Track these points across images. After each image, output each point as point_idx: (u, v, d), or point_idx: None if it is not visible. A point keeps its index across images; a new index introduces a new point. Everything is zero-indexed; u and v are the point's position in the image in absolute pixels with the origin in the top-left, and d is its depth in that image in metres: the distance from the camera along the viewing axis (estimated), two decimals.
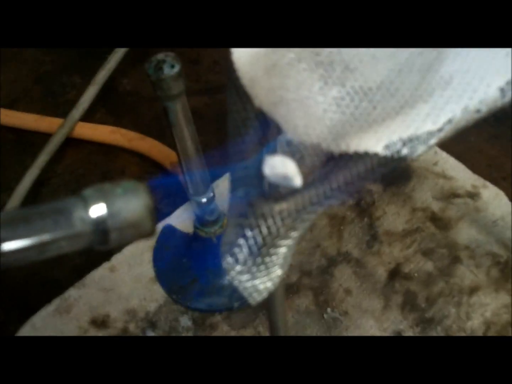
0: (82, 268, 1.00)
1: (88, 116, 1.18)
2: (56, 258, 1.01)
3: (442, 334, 0.85)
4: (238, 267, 0.44)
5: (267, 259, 0.44)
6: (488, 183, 0.98)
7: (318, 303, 0.90)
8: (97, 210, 0.36)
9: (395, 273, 0.91)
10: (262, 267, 0.44)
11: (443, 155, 1.03)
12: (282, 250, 0.44)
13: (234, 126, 0.49)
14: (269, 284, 0.46)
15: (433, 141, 0.45)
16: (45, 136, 1.14)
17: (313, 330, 0.88)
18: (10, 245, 0.33)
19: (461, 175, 1.01)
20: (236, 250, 0.43)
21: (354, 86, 0.49)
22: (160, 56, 0.71)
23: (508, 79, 0.45)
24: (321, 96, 0.48)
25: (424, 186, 1.00)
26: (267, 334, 0.89)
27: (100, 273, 0.99)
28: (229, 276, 0.44)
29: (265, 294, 0.46)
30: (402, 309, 0.88)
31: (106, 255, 1.01)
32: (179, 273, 0.95)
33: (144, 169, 1.11)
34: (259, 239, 0.43)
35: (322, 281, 0.92)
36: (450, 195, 0.98)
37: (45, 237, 0.34)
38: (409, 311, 0.88)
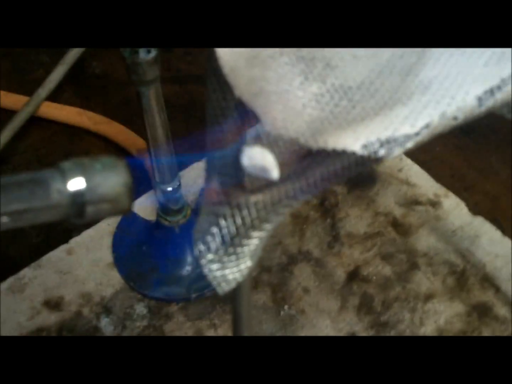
0: (39, 248, 0.99)
1: (55, 96, 1.16)
2: (13, 236, 0.99)
3: None
4: (210, 256, 0.43)
5: (239, 249, 0.44)
6: (450, 193, 1.00)
7: (276, 300, 0.90)
8: (75, 183, 0.35)
9: (353, 275, 0.92)
10: (233, 257, 0.44)
11: (408, 162, 1.05)
12: (254, 241, 0.44)
13: (213, 114, 0.48)
14: (238, 275, 0.46)
15: (409, 144, 0.45)
16: (9, 113, 1.12)
17: (269, 326, 0.88)
18: None
19: (424, 183, 1.02)
20: (209, 238, 0.43)
21: (334, 84, 0.49)
22: None
23: (486, 89, 0.46)
24: (301, 91, 0.48)
25: (387, 191, 1.01)
26: (222, 326, 0.89)
27: (57, 254, 0.98)
28: (200, 264, 0.44)
29: (233, 284, 0.46)
30: (358, 311, 0.89)
31: (65, 237, 0.99)
32: (138, 260, 0.95)
33: (109, 153, 1.09)
34: (233, 229, 0.43)
35: (281, 278, 0.93)
36: (412, 202, 0.99)
37: (20, 206, 0.33)
38: (365, 314, 0.89)
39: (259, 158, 0.43)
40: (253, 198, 0.43)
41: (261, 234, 0.45)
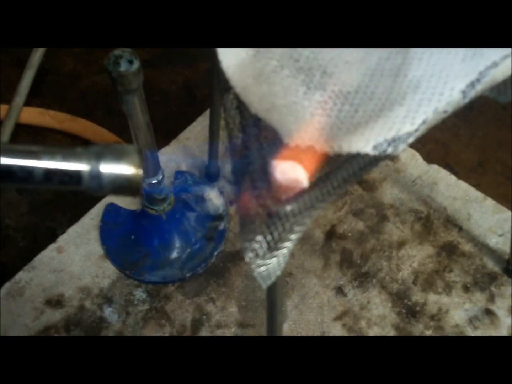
0: (27, 251, 1.03)
1: (9, 98, 1.17)
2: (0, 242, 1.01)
3: (377, 286, 0.96)
4: (259, 261, 0.50)
5: (279, 252, 0.51)
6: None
7: None
8: (96, 162, 0.44)
9: (331, 234, 1.00)
10: (275, 259, 0.51)
11: None
12: (291, 242, 0.51)
13: (232, 129, 0.54)
14: (278, 272, 0.53)
15: (411, 139, 0.52)
16: None
17: (262, 292, 0.96)
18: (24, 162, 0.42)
19: None
20: (256, 245, 0.50)
21: (334, 90, 0.55)
22: (117, 52, 0.75)
23: (468, 82, 0.54)
24: (306, 100, 0.55)
25: None
26: (220, 299, 0.96)
27: (48, 254, 1.02)
28: (251, 267, 0.51)
29: (274, 278, 0.53)
30: (340, 266, 0.98)
31: (50, 236, 1.03)
32: (129, 249, 1.00)
33: None
34: (275, 235, 0.50)
35: None
36: None
37: (52, 164, 0.43)
38: (347, 268, 0.98)
39: (290, 172, 0.49)
40: (289, 207, 0.50)
41: (296, 235, 0.52)
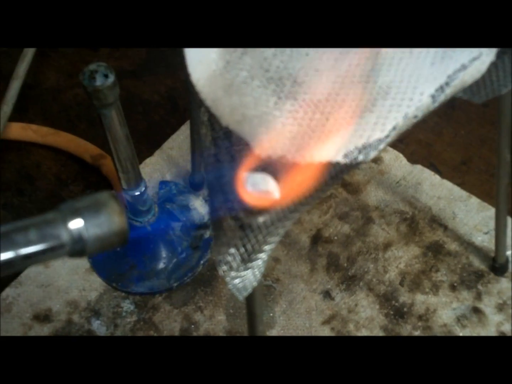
0: None
1: None
2: None
3: (364, 288, 0.96)
4: (233, 273, 0.50)
5: (254, 263, 0.51)
6: (388, 147, 1.09)
7: None
8: (75, 224, 0.41)
9: (317, 238, 1.01)
10: (250, 270, 0.51)
11: None
12: (265, 253, 0.51)
13: (205, 142, 0.54)
14: (254, 282, 0.53)
15: (382, 146, 0.52)
16: None
17: None
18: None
19: None
20: (230, 258, 0.50)
21: (305, 99, 0.55)
22: (92, 66, 0.75)
23: (437, 87, 0.54)
24: (277, 110, 0.55)
25: None
26: (208, 308, 0.96)
27: (34, 270, 1.01)
28: (225, 280, 0.51)
29: (250, 290, 0.53)
30: (327, 270, 0.98)
31: None
32: (116, 261, 1.00)
33: (61, 162, 1.13)
34: (249, 247, 0.50)
35: None
36: None
37: (29, 249, 0.39)
38: (334, 271, 0.98)
39: (262, 184, 0.49)
40: (261, 219, 0.50)
41: (270, 246, 0.52)
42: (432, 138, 1.10)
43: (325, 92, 0.56)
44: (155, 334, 0.95)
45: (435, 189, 1.04)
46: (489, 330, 0.92)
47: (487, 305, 0.94)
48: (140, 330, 0.95)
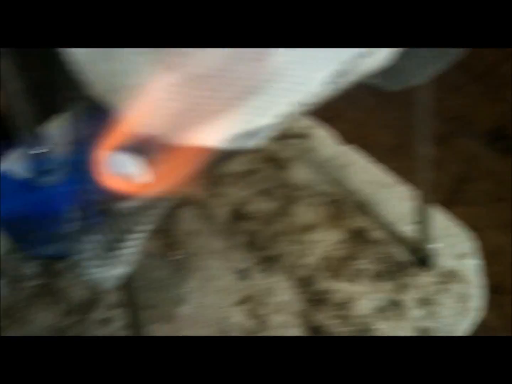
0: None
1: None
2: None
3: (283, 271, 0.92)
4: (89, 263, 0.45)
5: (117, 252, 0.46)
6: (318, 124, 1.04)
7: (165, 246, 0.93)
8: None
9: (238, 214, 0.96)
10: (112, 260, 0.46)
11: None
12: (131, 243, 0.46)
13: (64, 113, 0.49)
14: (119, 272, 0.48)
15: (268, 133, 0.47)
16: None
17: (162, 272, 0.92)
18: None
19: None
20: (86, 246, 0.45)
21: (188, 72, 0.50)
22: None
23: (333, 72, 0.49)
24: (159, 83, 0.49)
25: None
26: None
27: None
28: (79, 270, 0.46)
29: (116, 282, 0.48)
30: (246, 248, 0.93)
31: None
32: (21, 221, 0.94)
33: None
34: (109, 236, 0.45)
35: (168, 224, 0.95)
36: (285, 136, 1.03)
37: None
38: (253, 250, 0.93)
39: (125, 166, 0.44)
40: (126, 205, 0.45)
41: (138, 236, 0.47)
42: (365, 118, 1.05)
43: (215, 67, 0.50)
44: (56, 301, 0.90)
45: (364, 173, 0.99)
46: (407, 324, 0.88)
47: (407, 299, 0.91)
48: (42, 295, 0.90)
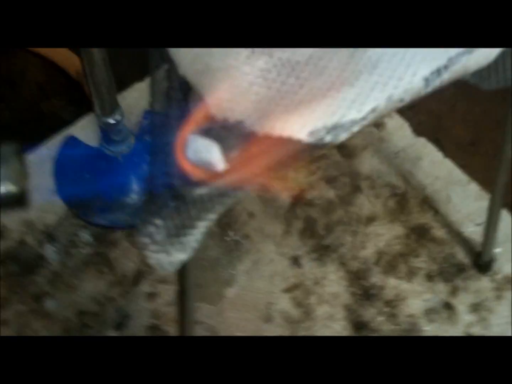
0: None
1: None
2: None
3: (336, 261, 0.89)
4: (154, 247, 0.43)
5: (183, 239, 0.44)
6: (394, 113, 0.99)
7: (221, 225, 0.91)
8: None
9: (298, 199, 0.93)
10: (178, 246, 0.44)
11: None
12: (199, 231, 0.44)
13: (157, 93, 0.47)
14: (183, 257, 0.46)
15: (355, 128, 0.45)
16: None
17: (214, 252, 0.90)
18: None
19: None
20: (153, 229, 0.43)
21: (281, 58, 0.47)
22: None
23: (433, 69, 0.45)
24: (248, 66, 0.47)
25: None
26: None
27: None
28: (143, 253, 0.44)
29: (178, 266, 0.47)
30: (301, 235, 0.91)
31: None
32: (81, 187, 0.94)
33: (47, 72, 1.05)
34: (178, 222, 0.43)
35: None
36: None
37: None
38: (308, 238, 0.91)
39: (204, 152, 0.42)
40: (198, 191, 0.43)
41: (205, 223, 0.45)
42: (443, 110, 1.00)
43: (306, 54, 0.47)
44: (108, 271, 0.89)
45: (435, 168, 0.95)
46: (457, 329, 0.85)
47: (461, 303, 0.87)
48: (93, 264, 0.90)
